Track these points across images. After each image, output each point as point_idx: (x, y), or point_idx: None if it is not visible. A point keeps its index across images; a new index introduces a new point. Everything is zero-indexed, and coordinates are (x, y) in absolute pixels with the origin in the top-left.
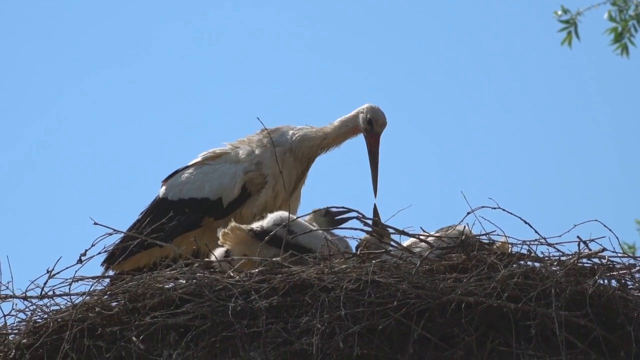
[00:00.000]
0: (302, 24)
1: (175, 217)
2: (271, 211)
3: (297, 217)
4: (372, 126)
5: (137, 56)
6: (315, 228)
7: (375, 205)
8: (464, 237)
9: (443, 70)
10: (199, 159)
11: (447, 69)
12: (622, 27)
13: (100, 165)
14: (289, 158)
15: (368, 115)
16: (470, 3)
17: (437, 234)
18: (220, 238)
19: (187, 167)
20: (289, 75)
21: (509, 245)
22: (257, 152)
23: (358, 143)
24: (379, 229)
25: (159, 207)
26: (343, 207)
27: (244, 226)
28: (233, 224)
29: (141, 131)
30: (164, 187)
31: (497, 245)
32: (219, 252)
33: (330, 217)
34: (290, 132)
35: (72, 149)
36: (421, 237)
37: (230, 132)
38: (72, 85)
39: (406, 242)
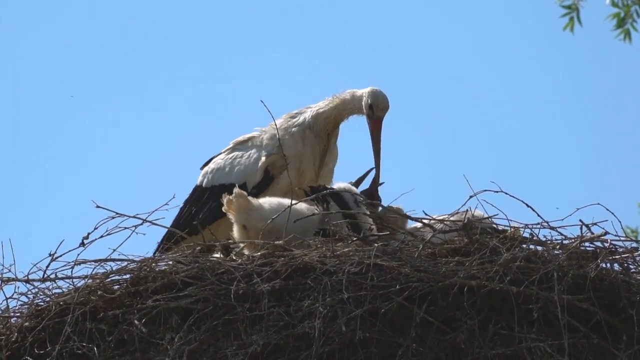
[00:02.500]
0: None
1: (208, 204)
2: (297, 192)
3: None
4: (373, 111)
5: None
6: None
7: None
8: (466, 220)
9: (447, 55)
10: (230, 144)
11: (451, 54)
12: (625, 12)
13: (103, 149)
14: (309, 135)
15: (369, 100)
16: None
17: (440, 218)
18: (225, 205)
19: (220, 154)
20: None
21: (520, 230)
22: (280, 134)
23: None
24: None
25: (195, 195)
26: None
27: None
28: (237, 190)
29: (146, 117)
30: (200, 174)
31: (510, 231)
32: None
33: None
34: (309, 110)
35: (75, 133)
36: (424, 220)
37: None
38: (80, 72)
39: (410, 227)
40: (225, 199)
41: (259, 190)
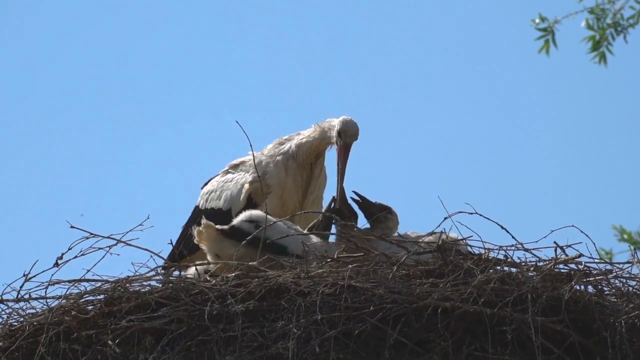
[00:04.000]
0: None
1: None
2: None
3: (277, 221)
4: (341, 138)
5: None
6: (293, 230)
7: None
8: (440, 241)
9: (420, 78)
10: (225, 167)
11: (423, 77)
12: (600, 35)
13: (78, 170)
14: (292, 165)
15: (338, 127)
16: (447, 11)
17: (415, 237)
18: (195, 236)
19: (216, 175)
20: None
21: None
22: (264, 161)
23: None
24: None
25: (194, 215)
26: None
27: (214, 225)
28: (204, 221)
29: (120, 138)
30: (199, 195)
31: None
32: None
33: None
34: (296, 138)
35: (50, 153)
36: (399, 241)
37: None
38: (56, 86)
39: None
40: (195, 230)
41: None
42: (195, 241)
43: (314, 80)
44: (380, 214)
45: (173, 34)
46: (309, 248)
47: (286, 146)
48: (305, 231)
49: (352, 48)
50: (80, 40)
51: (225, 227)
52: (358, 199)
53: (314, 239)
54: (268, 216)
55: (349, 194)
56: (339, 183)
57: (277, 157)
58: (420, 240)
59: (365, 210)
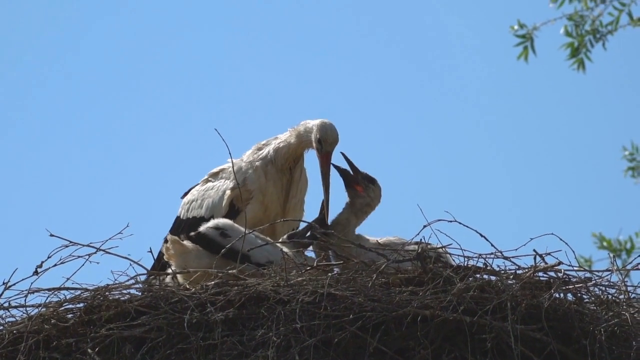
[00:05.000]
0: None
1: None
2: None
3: (252, 231)
4: (322, 145)
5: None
6: (261, 241)
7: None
8: (420, 249)
9: (397, 83)
10: (205, 175)
11: (401, 83)
12: (579, 42)
13: (57, 177)
14: (271, 170)
15: (317, 135)
16: (424, 17)
17: (390, 241)
18: (165, 254)
19: (197, 184)
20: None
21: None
22: (244, 168)
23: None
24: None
25: (175, 225)
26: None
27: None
28: (170, 236)
29: (100, 145)
30: (180, 205)
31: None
32: None
33: (296, 243)
34: (273, 142)
35: (27, 156)
36: (378, 250)
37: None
38: (34, 92)
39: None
40: (164, 247)
41: None
42: (164, 258)
43: (291, 83)
44: (363, 182)
45: (150, 46)
46: (287, 256)
47: (264, 151)
48: (280, 239)
49: (328, 52)
50: (58, 53)
51: (192, 233)
52: (343, 167)
53: (284, 248)
54: (235, 225)
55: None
56: (325, 194)
57: (256, 163)
58: (400, 248)
59: (345, 178)
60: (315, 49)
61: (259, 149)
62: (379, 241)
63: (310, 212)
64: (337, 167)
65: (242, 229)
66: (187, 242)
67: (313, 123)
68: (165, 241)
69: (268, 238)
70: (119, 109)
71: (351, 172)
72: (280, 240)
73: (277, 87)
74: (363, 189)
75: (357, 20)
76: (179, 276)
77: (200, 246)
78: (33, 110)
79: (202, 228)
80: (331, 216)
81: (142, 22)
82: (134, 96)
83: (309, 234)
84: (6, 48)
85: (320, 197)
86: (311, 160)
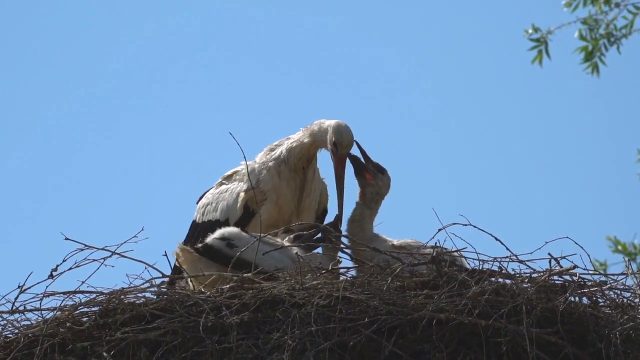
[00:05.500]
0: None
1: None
2: (278, 227)
3: (266, 235)
4: (337, 148)
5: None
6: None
7: (336, 217)
8: (435, 253)
9: (412, 87)
10: (219, 179)
11: (418, 87)
12: (593, 46)
13: (72, 180)
14: (284, 170)
15: (333, 138)
16: (439, 20)
17: (407, 243)
18: (175, 259)
19: (211, 188)
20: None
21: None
22: (257, 169)
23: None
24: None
25: (192, 230)
26: (313, 224)
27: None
28: (179, 245)
29: (115, 148)
30: (195, 209)
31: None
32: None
33: (302, 243)
34: (286, 143)
35: (42, 160)
36: (393, 253)
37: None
38: (45, 101)
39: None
40: (174, 253)
41: (242, 225)
42: (176, 263)
43: (302, 85)
44: (372, 171)
45: (164, 50)
46: (303, 260)
47: (277, 152)
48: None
49: (339, 52)
50: (69, 50)
51: (199, 245)
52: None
53: (291, 252)
54: (242, 233)
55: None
56: (339, 198)
57: (269, 164)
58: (415, 251)
59: (355, 165)
60: (326, 51)
61: (272, 149)
62: (397, 243)
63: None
64: (348, 155)
65: (250, 236)
66: (194, 247)
67: (328, 123)
68: (196, 239)
69: (279, 240)
70: (133, 112)
71: (362, 160)
72: (286, 239)
73: (290, 90)
74: (372, 177)
75: (368, 21)
76: (193, 280)
77: (207, 258)
78: (48, 112)
79: (209, 239)
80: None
81: (161, 24)
82: (148, 100)
83: (318, 235)
84: (35, 46)
85: (333, 197)
86: (323, 159)
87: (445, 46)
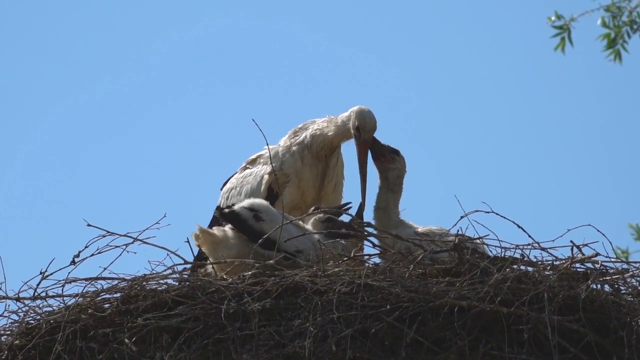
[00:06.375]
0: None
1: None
2: (301, 210)
3: (295, 219)
4: (360, 133)
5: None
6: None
7: (360, 205)
8: (457, 240)
9: (437, 76)
10: (243, 163)
11: (441, 75)
12: (616, 33)
13: (94, 167)
14: (307, 155)
15: (356, 122)
16: (462, 9)
17: (432, 230)
18: (195, 241)
19: (235, 173)
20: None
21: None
22: (280, 152)
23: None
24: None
25: (217, 215)
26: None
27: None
28: (199, 227)
29: (137, 135)
30: (220, 195)
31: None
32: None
33: (332, 234)
34: (310, 127)
35: (64, 147)
36: (414, 240)
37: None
38: (72, 88)
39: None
40: (193, 235)
41: None
42: (196, 245)
43: (323, 73)
44: (388, 155)
45: (186, 42)
46: (323, 246)
47: (301, 136)
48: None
49: (363, 41)
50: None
51: (226, 210)
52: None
53: (313, 236)
54: (270, 208)
55: None
56: (362, 183)
57: (293, 148)
58: (437, 239)
59: (372, 151)
60: (351, 39)
61: (295, 133)
62: (421, 230)
63: (349, 196)
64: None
65: (278, 212)
66: (216, 231)
67: (351, 110)
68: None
69: (302, 223)
70: (156, 99)
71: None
72: (316, 215)
73: (313, 75)
74: (388, 161)
75: (386, 13)
76: (215, 266)
77: (231, 224)
78: (68, 100)
79: (237, 207)
80: (368, 204)
81: (183, 18)
82: (171, 88)
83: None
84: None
85: (356, 184)
86: (347, 144)
87: (467, 34)
